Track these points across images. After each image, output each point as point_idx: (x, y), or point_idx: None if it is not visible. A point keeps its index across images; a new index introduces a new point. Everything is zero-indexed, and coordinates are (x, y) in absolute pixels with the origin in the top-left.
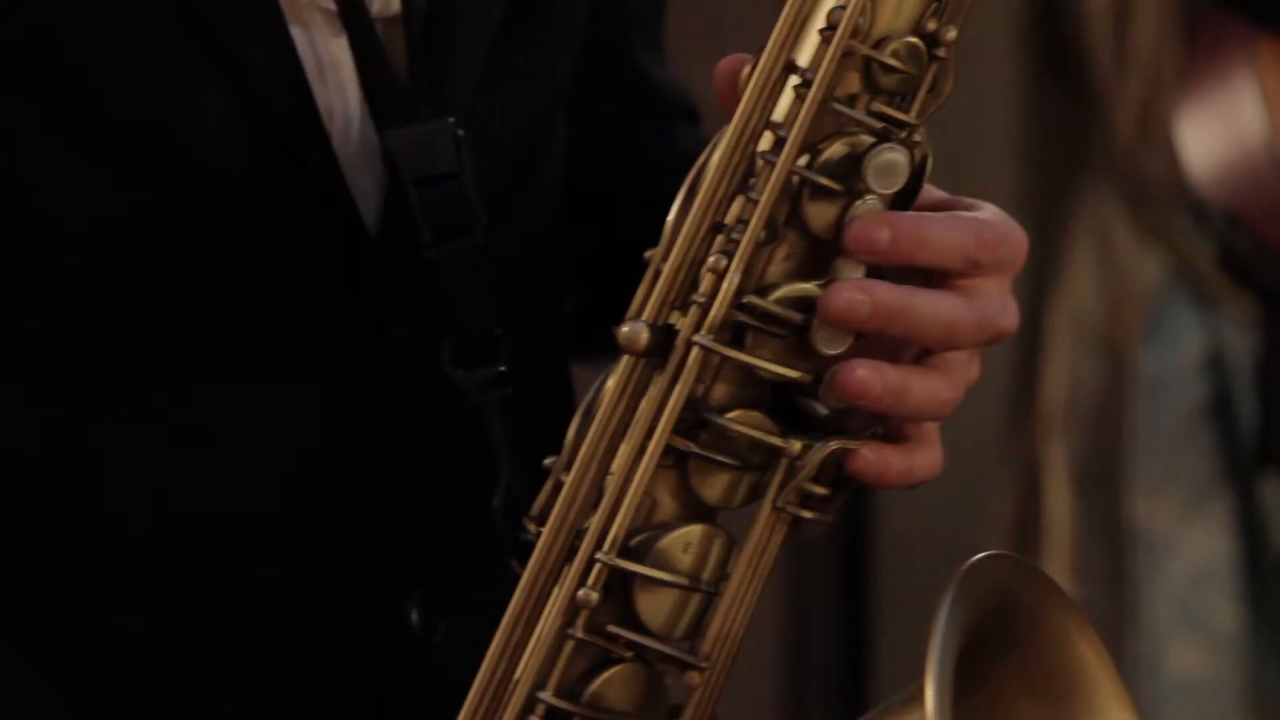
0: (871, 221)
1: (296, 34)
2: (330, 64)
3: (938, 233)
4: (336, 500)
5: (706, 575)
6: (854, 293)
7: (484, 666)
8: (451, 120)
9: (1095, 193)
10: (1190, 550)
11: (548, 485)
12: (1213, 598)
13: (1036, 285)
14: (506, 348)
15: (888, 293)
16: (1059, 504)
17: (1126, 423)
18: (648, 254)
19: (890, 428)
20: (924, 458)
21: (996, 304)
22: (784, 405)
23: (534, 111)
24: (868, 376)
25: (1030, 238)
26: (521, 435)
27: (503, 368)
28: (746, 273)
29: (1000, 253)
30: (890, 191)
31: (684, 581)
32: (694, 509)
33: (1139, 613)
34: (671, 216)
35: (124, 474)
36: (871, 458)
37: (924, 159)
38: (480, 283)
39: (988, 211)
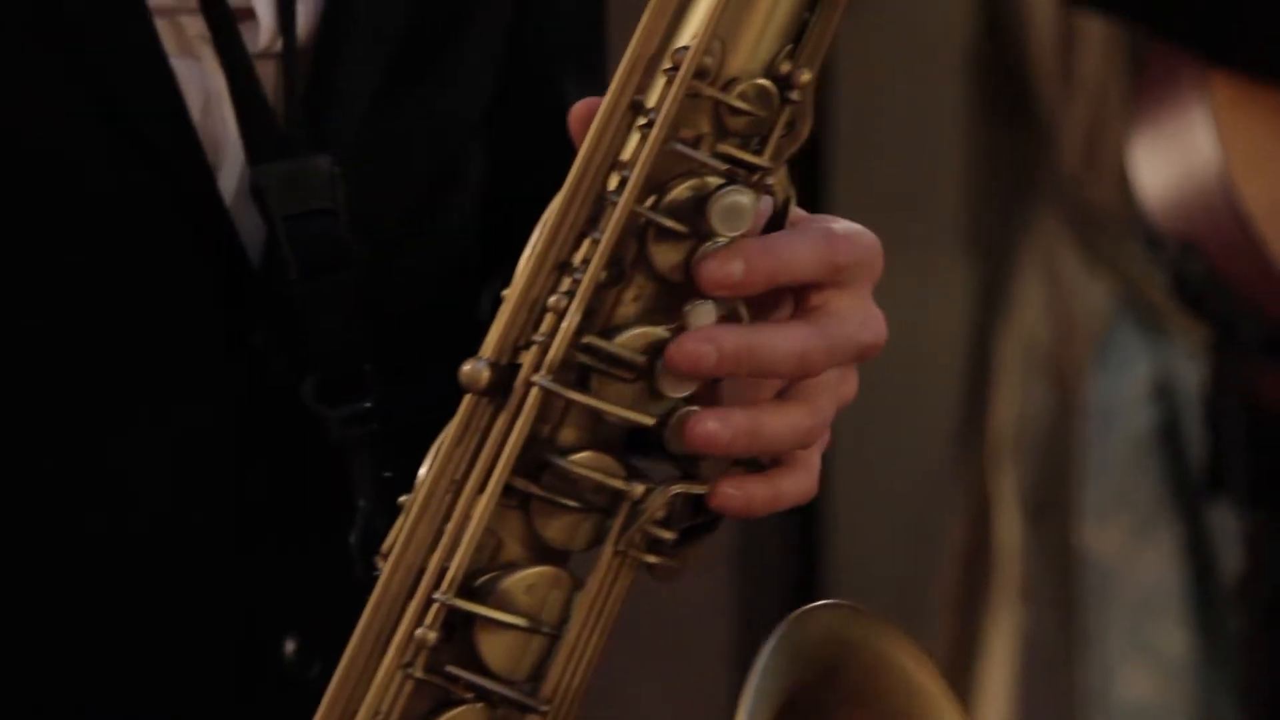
0: (722, 256)
1: (183, 66)
2: (217, 97)
3: (789, 249)
4: (211, 533)
5: (548, 617)
6: (698, 344)
7: (324, 703)
8: (328, 157)
9: (1043, 220)
10: (1139, 577)
11: (398, 521)
12: (1162, 624)
13: (985, 312)
14: (375, 383)
15: (732, 338)
16: (1008, 531)
17: (1075, 450)
18: (503, 292)
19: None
20: (792, 482)
21: (855, 321)
22: (650, 442)
23: (434, 150)
24: (715, 428)
25: (978, 265)
26: (389, 472)
27: (369, 404)
28: (592, 314)
29: (857, 253)
30: (736, 234)
31: (524, 623)
32: (540, 551)
33: (1089, 639)
34: (524, 255)
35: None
36: (733, 493)
37: (786, 201)
38: (348, 319)
39: (834, 221)
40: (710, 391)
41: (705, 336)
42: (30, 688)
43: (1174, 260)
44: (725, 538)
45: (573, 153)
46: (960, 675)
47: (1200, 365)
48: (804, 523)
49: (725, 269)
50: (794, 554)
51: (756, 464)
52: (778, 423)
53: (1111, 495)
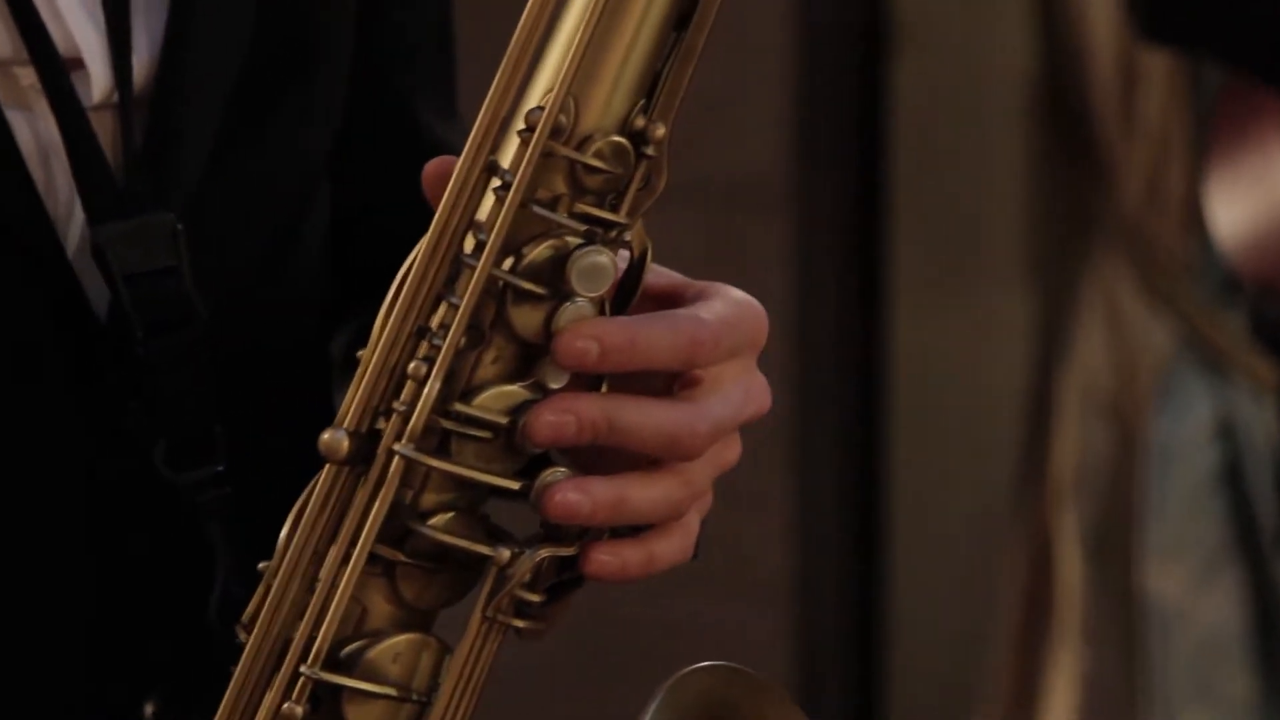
0: (579, 334)
1: (17, 118)
2: (55, 149)
3: (647, 339)
4: (67, 597)
5: (417, 685)
6: (557, 414)
7: None
8: (169, 214)
9: (1104, 261)
10: (1202, 619)
11: (260, 590)
12: (1224, 667)
13: (1046, 353)
14: (225, 446)
15: (594, 409)
16: (1070, 572)
17: (1137, 491)
18: (359, 353)
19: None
20: (667, 545)
21: (735, 397)
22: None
23: (281, 194)
24: (575, 499)
25: (1039, 305)
26: (244, 537)
27: (220, 467)
28: (451, 378)
29: (721, 348)
30: (596, 294)
31: (393, 692)
32: (405, 616)
33: (1151, 681)
34: (379, 317)
35: None
36: (606, 559)
37: (643, 254)
38: (196, 380)
39: (718, 300)
40: (579, 451)
41: (565, 405)
42: None
43: (1251, 302)
44: (785, 578)
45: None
46: (1021, 715)
47: (1266, 407)
48: (864, 562)
49: (580, 347)
50: (854, 594)
51: (631, 527)
52: (645, 494)
53: (1173, 536)
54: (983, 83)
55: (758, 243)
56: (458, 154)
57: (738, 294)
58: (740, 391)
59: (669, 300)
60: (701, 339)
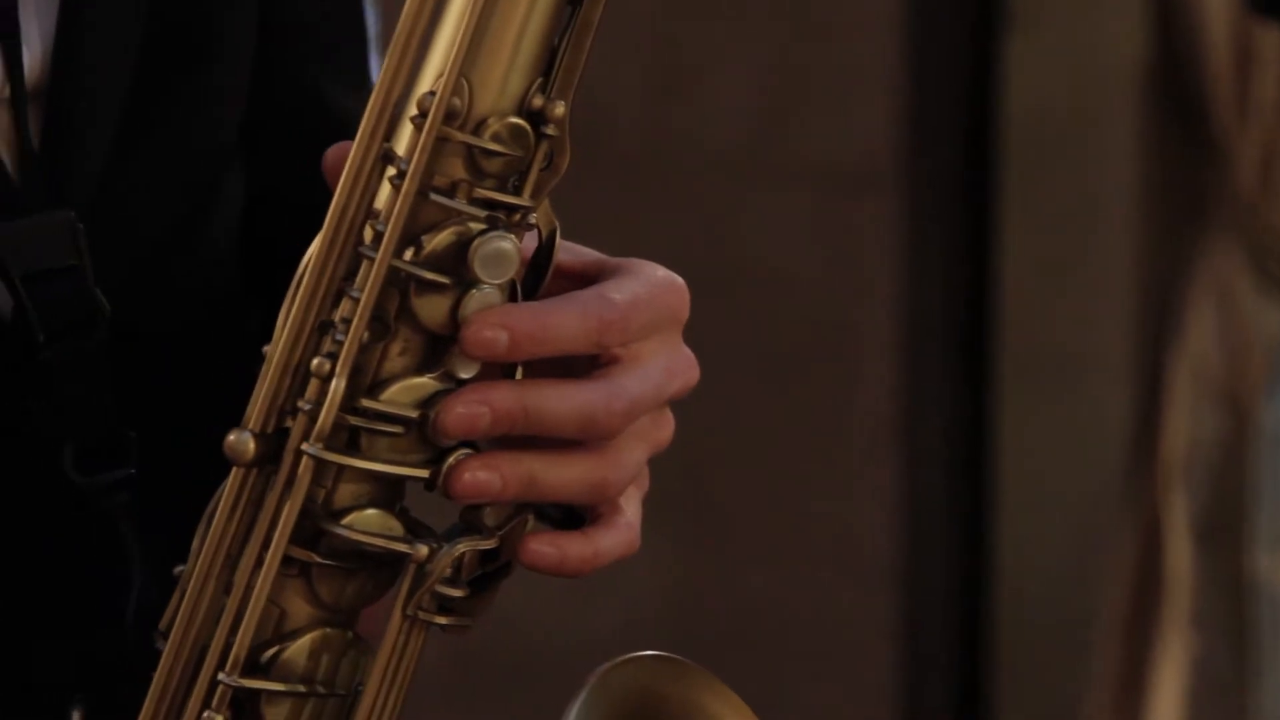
0: (486, 324)
1: None
2: None
3: (556, 322)
4: None
5: (341, 684)
6: (469, 407)
7: None
8: (69, 212)
9: (1217, 245)
10: None
11: (175, 595)
12: None
13: (1158, 336)
14: (135, 448)
15: (506, 397)
16: (1179, 557)
17: (1248, 475)
18: (265, 348)
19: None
20: (610, 539)
21: (656, 373)
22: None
23: (186, 185)
24: (484, 477)
25: (1152, 290)
26: (158, 540)
27: (132, 470)
28: (357, 373)
29: (632, 326)
30: (501, 280)
31: (318, 691)
32: (326, 617)
33: (1260, 667)
34: (282, 313)
35: None
36: (545, 550)
37: (551, 234)
38: (102, 382)
39: (629, 278)
40: (496, 440)
41: (477, 397)
42: None
43: None
44: (892, 564)
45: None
46: (1130, 702)
47: None
48: (971, 548)
49: (489, 337)
50: (960, 578)
51: (575, 519)
52: (559, 472)
53: None
54: (1095, 64)
55: (866, 226)
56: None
57: (654, 269)
58: (660, 367)
59: (584, 281)
60: (610, 319)
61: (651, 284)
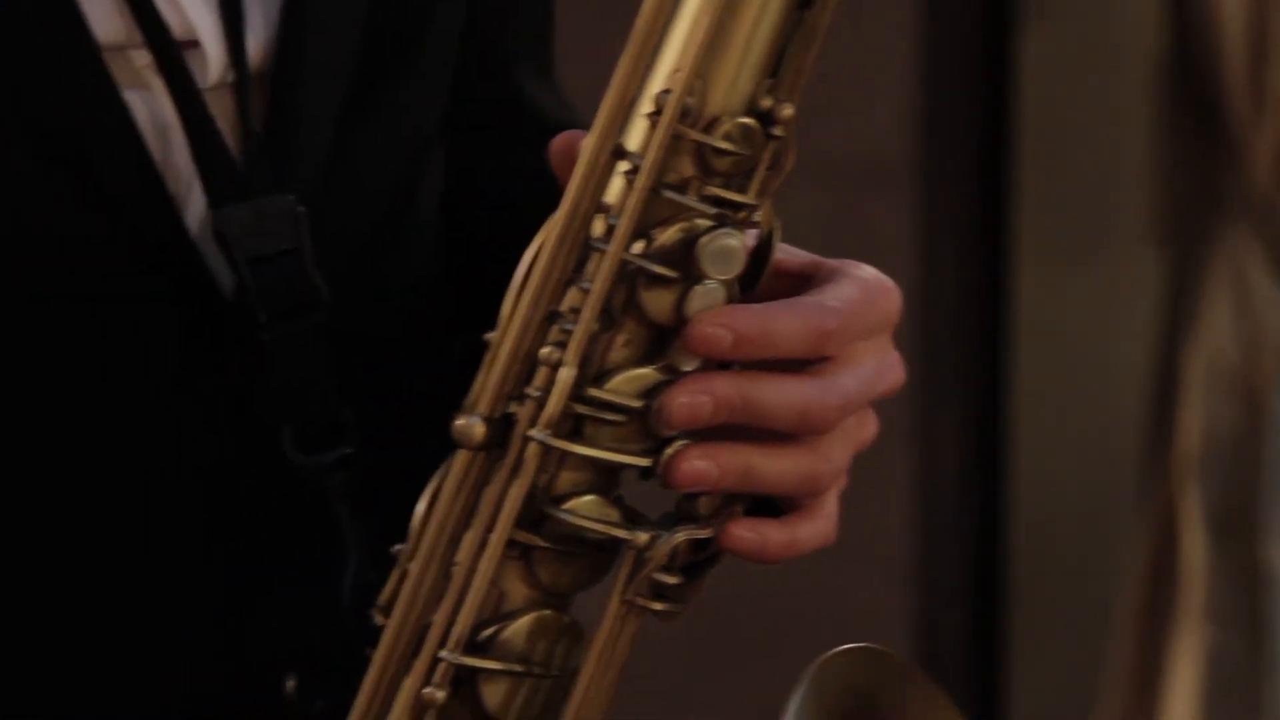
0: (711, 322)
1: (134, 99)
2: (173, 129)
3: (778, 327)
4: (194, 579)
5: (556, 665)
6: (692, 395)
7: None
8: (291, 195)
9: (1232, 236)
10: None
11: (395, 574)
12: None
13: (1173, 328)
14: (353, 428)
15: (727, 388)
16: (1194, 549)
17: (1263, 468)
18: (487, 335)
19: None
20: (809, 529)
21: (869, 372)
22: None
23: (397, 169)
24: (702, 466)
25: (1166, 281)
26: (373, 519)
27: (349, 450)
28: (584, 363)
29: (851, 332)
30: (727, 277)
31: (534, 671)
32: (543, 597)
33: (1275, 659)
34: (508, 300)
35: None
36: (747, 536)
37: (770, 234)
38: (321, 363)
39: (847, 283)
40: (712, 433)
41: (699, 386)
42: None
43: None
44: (907, 554)
45: (537, 150)
46: (1144, 695)
47: None
48: (986, 538)
49: (713, 336)
50: (974, 569)
51: (773, 509)
52: (774, 464)
53: None
54: (1110, 56)
55: (880, 219)
56: (554, 118)
57: (869, 273)
58: (872, 367)
59: (799, 280)
60: (830, 328)
61: (867, 289)
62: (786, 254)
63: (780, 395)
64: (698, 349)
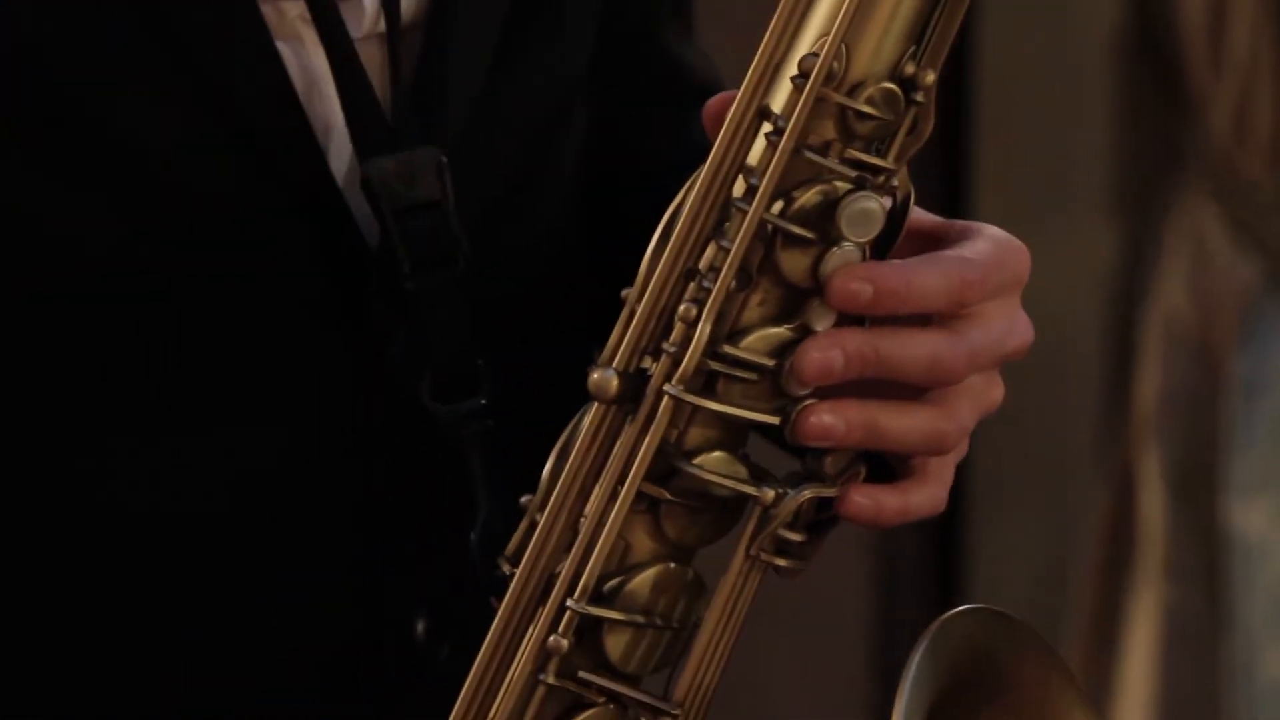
0: (853, 276)
1: (285, 49)
2: (324, 80)
3: (920, 282)
4: (332, 522)
5: (679, 617)
6: (825, 350)
7: (457, 706)
8: (436, 148)
9: (1190, 195)
10: None
11: (523, 524)
12: None
13: (1130, 287)
14: (489, 379)
15: (859, 342)
16: (1153, 507)
17: (1221, 426)
18: (623, 293)
19: (888, 462)
20: (922, 495)
21: (998, 329)
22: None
23: (540, 123)
24: (829, 421)
25: (1124, 240)
26: (503, 469)
27: (484, 400)
28: (719, 320)
29: (989, 287)
30: (865, 239)
31: (657, 624)
32: (668, 551)
33: (1233, 617)
34: (646, 258)
35: (122, 502)
36: (863, 502)
37: (906, 199)
38: (461, 314)
39: (981, 240)
40: (842, 390)
41: (831, 341)
42: (159, 662)
43: None
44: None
45: (684, 107)
46: (1102, 653)
47: None
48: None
49: (854, 289)
50: (934, 532)
51: (887, 473)
52: (901, 421)
53: (1257, 472)
54: (1069, 17)
55: None
56: (700, 76)
57: (998, 232)
58: (1001, 326)
59: (930, 240)
60: (971, 280)
61: (1000, 246)
62: (916, 215)
63: (911, 347)
64: (839, 303)
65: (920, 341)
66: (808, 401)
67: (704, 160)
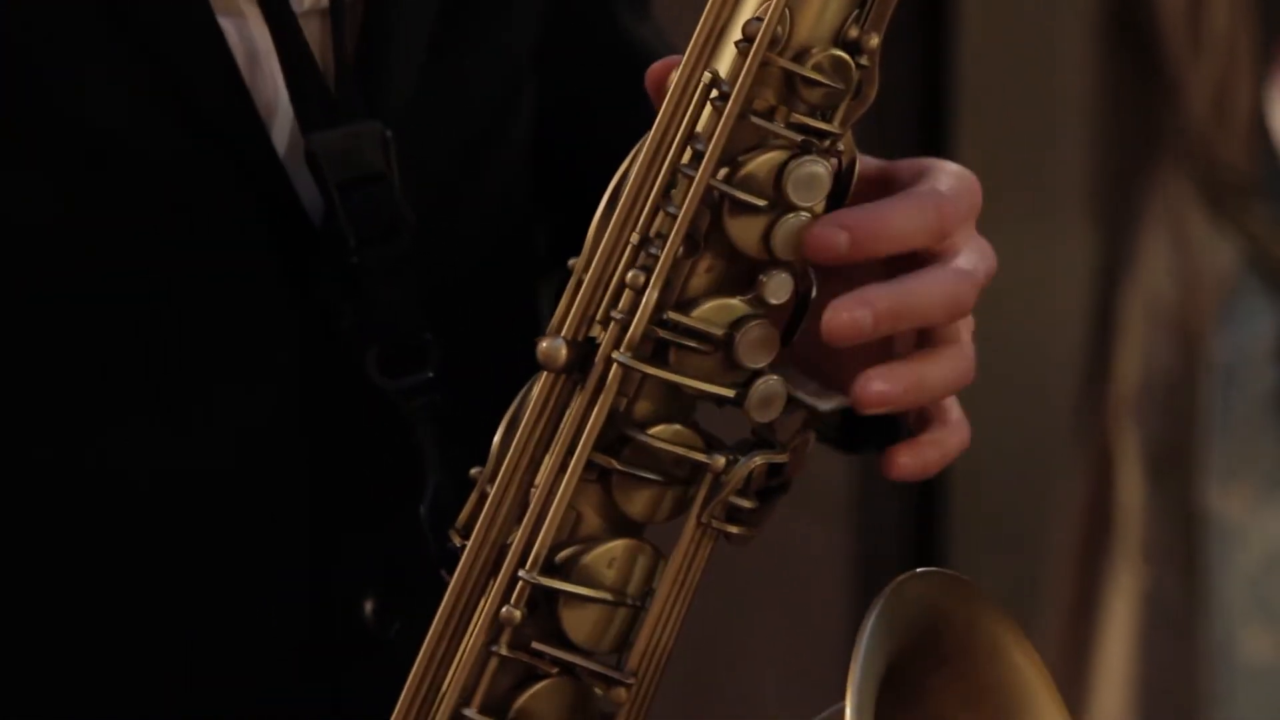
0: (826, 225)
1: (227, 25)
2: (266, 55)
3: (897, 220)
4: (281, 499)
5: (632, 590)
6: (853, 310)
7: (410, 680)
8: (380, 122)
9: (1169, 178)
10: (1262, 537)
11: (473, 497)
12: None
13: (1110, 270)
14: (436, 353)
15: (884, 296)
16: (1130, 489)
17: (1199, 409)
18: (570, 262)
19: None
20: (956, 437)
21: (976, 253)
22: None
23: (486, 101)
24: (884, 388)
25: (1103, 223)
26: (451, 442)
27: (431, 374)
28: (667, 288)
29: (961, 215)
30: (811, 204)
31: (609, 597)
32: (619, 523)
33: (1210, 599)
34: (593, 227)
35: (63, 476)
36: (909, 462)
37: (851, 162)
38: (408, 289)
39: (940, 173)
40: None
41: (859, 301)
42: (103, 653)
43: None
44: (843, 493)
45: (630, 85)
46: (1080, 634)
47: None
48: (924, 483)
49: (830, 239)
50: (913, 511)
51: (902, 429)
52: (939, 370)
53: (1235, 455)
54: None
55: None
56: (654, 53)
57: (948, 163)
58: (978, 248)
59: (880, 185)
60: (947, 211)
61: (958, 175)
62: (862, 163)
63: (930, 290)
64: (815, 254)
65: (936, 281)
66: (864, 372)
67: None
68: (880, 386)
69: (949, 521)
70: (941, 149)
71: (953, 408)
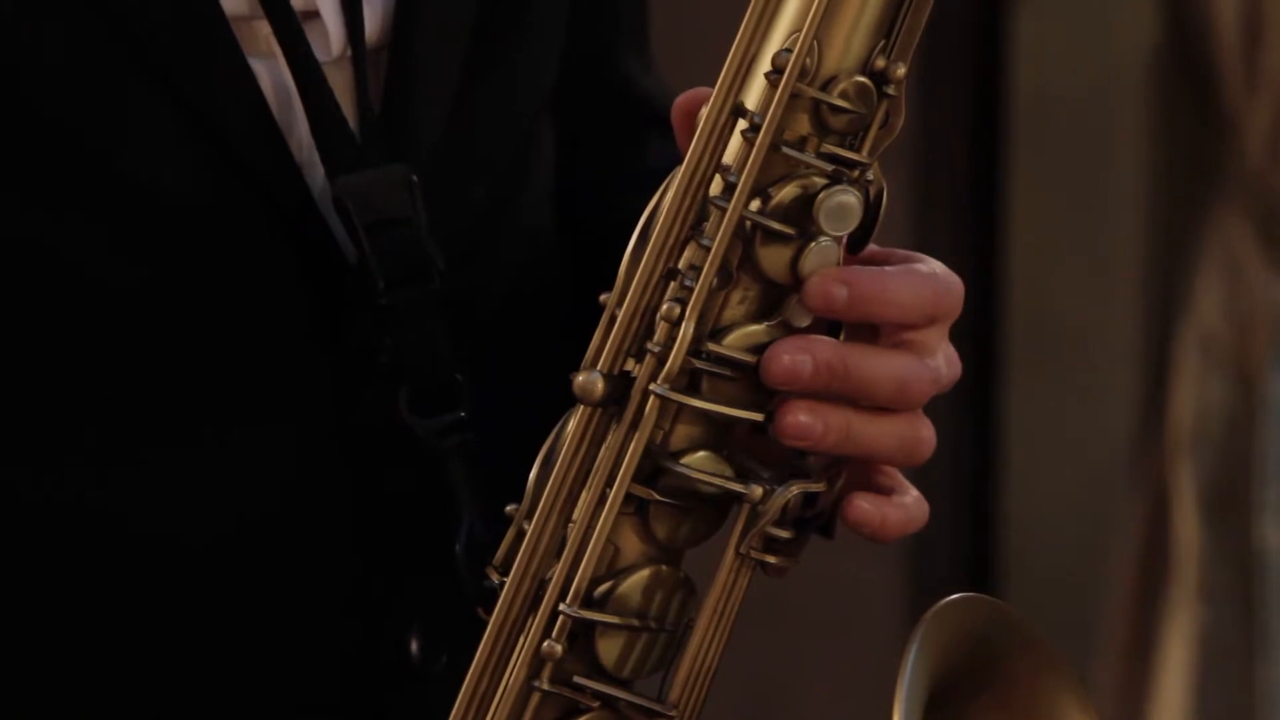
0: (831, 278)
1: (259, 67)
2: (298, 96)
3: (896, 290)
4: (323, 538)
5: (671, 619)
6: (794, 354)
7: (452, 716)
8: (406, 166)
9: (1225, 215)
10: None
11: (510, 533)
12: None
13: (1166, 308)
14: (466, 392)
15: (829, 351)
16: (1187, 528)
17: (1256, 447)
18: (602, 298)
19: (871, 475)
20: (919, 509)
21: (942, 356)
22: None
23: (508, 143)
24: (806, 420)
25: (1160, 260)
26: (485, 480)
27: (462, 413)
28: (702, 319)
29: (948, 308)
30: (842, 233)
31: (649, 626)
32: (656, 553)
33: (1268, 638)
34: (625, 261)
35: (108, 518)
36: (869, 509)
37: (879, 194)
38: (437, 329)
39: (931, 263)
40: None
41: (802, 345)
42: (148, 694)
43: None
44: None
45: (622, 133)
46: (1137, 674)
47: None
48: (978, 517)
49: (830, 291)
50: (968, 550)
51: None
52: (874, 430)
53: None
54: (1104, 36)
55: None
56: (657, 103)
57: (938, 264)
58: (945, 353)
59: (875, 264)
60: (940, 294)
61: (948, 273)
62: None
63: (880, 365)
64: (815, 304)
65: (890, 362)
66: (790, 401)
67: (659, 181)
68: (803, 418)
69: (1004, 564)
70: (996, 188)
71: (910, 488)
